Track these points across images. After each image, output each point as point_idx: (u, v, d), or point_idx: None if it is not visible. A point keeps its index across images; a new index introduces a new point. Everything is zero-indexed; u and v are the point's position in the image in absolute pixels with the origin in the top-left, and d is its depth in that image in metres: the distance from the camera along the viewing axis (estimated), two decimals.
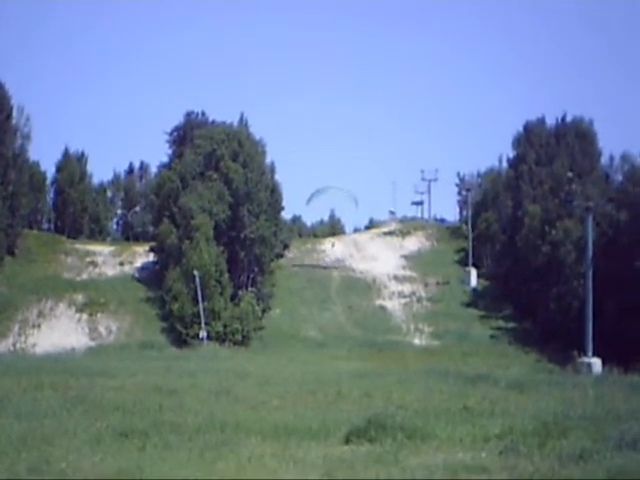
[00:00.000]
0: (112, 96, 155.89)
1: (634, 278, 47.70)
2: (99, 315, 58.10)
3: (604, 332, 41.82)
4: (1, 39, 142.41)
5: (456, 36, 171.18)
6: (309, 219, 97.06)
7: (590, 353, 39.58)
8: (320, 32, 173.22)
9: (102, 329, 56.72)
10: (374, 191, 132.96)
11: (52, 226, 77.38)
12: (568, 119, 66.81)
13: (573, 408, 17.98)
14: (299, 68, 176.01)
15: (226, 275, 56.52)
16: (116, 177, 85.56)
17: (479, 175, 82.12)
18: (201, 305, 52.97)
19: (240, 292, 57.91)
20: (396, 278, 68.99)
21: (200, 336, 52.58)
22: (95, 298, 59.76)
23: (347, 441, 14.96)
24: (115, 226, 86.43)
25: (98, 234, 78.40)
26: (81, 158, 77.91)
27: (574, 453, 12.94)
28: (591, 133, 66.06)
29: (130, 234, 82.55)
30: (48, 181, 76.28)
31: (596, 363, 38.49)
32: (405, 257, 73.81)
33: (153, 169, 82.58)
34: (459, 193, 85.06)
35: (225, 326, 54.62)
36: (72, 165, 76.06)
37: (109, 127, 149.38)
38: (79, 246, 70.01)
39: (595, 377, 31.19)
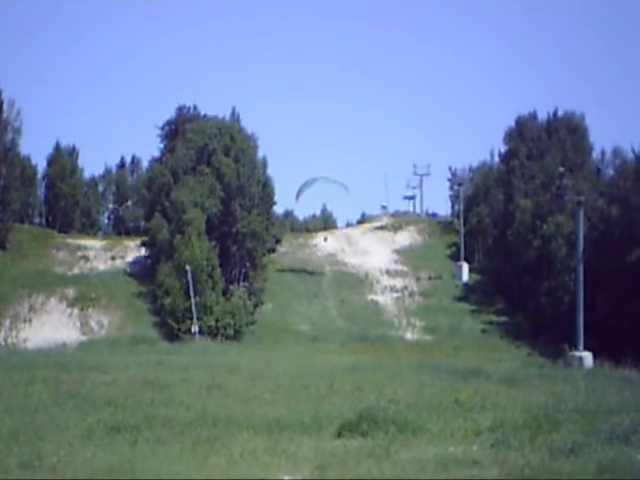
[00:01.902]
0: (103, 90, 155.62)
1: (625, 272, 47.84)
2: (90, 310, 57.93)
3: (595, 326, 41.95)
4: None
5: (448, 31, 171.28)
6: (301, 213, 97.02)
7: (581, 347, 39.71)
8: (312, 26, 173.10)
9: (93, 324, 56.59)
10: (366, 185, 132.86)
11: (43, 220, 77.09)
12: (560, 114, 66.83)
13: (564, 402, 18.05)
14: (291, 63, 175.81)
15: (218, 270, 56.42)
16: (107, 171, 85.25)
17: (471, 170, 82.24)
18: (193, 300, 52.90)
19: (232, 287, 57.84)
20: (388, 272, 69.05)
21: (192, 331, 52.53)
22: (86, 293, 59.59)
23: (339, 435, 14.99)
24: (106, 220, 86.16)
25: (89, 228, 78.17)
26: (72, 152, 77.62)
27: (565, 446, 12.99)
28: (582, 128, 66.10)
29: (122, 228, 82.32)
30: (39, 175, 75.98)
31: (587, 357, 38.62)
32: (397, 251, 73.86)
33: (145, 163, 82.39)
34: (451, 188, 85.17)
35: (217, 321, 54.56)
36: (63, 159, 75.79)
37: (100, 121, 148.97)
38: (70, 240, 69.78)
39: (586, 371, 31.38)
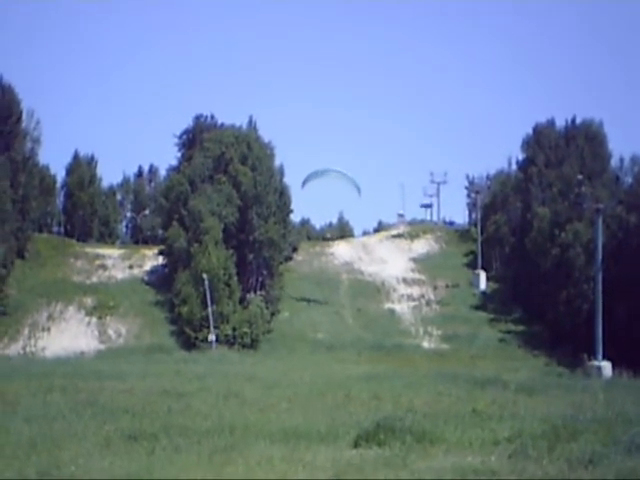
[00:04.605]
0: (122, 99, 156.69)
1: None
2: (108, 318, 58.22)
3: (614, 335, 41.63)
4: (10, 43, 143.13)
5: (465, 40, 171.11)
6: (318, 222, 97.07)
7: (600, 356, 39.45)
8: (331, 36, 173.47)
9: (111, 332, 56.85)
10: (383, 194, 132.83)
11: (62, 229, 77.54)
12: (578, 121, 66.55)
13: (583, 412, 17.93)
14: (308, 72, 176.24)
15: (235, 278, 56.52)
16: (125, 180, 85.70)
17: (488, 178, 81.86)
18: (210, 308, 53.01)
19: (249, 295, 57.90)
20: (405, 281, 68.90)
21: (209, 339, 52.61)
22: (104, 301, 59.90)
23: (356, 444, 14.95)
24: (124, 229, 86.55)
25: (108, 237, 78.53)
26: (91, 161, 78.07)
27: (584, 457, 12.89)
28: (601, 135, 65.77)
29: (139, 237, 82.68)
30: (58, 184, 76.38)
31: (606, 366, 38.35)
32: (414, 260, 73.69)
33: (162, 172, 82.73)
34: (468, 196, 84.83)
35: (234, 329, 54.63)
36: (82, 168, 76.26)
37: (119, 130, 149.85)
38: (89, 249, 70.20)
39: (605, 381, 31.15)
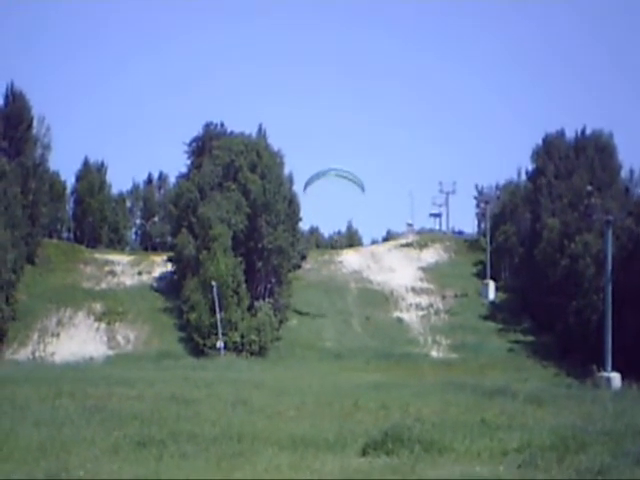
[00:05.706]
0: (132, 107, 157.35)
1: None
2: (117, 324, 58.35)
3: (623, 346, 41.44)
4: (21, 49, 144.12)
5: (476, 50, 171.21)
6: (327, 230, 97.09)
7: (609, 367, 39.25)
8: (340, 44, 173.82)
9: (120, 338, 56.96)
10: (392, 203, 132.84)
11: (71, 235, 77.84)
12: (588, 132, 66.49)
13: (592, 423, 17.86)
14: (318, 79, 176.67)
15: (243, 285, 56.58)
16: (135, 187, 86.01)
17: (498, 188, 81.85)
18: (218, 315, 53.05)
19: (257, 303, 57.93)
20: (413, 290, 68.82)
21: (217, 346, 52.66)
22: (113, 307, 60.04)
23: (364, 453, 14.94)
24: (134, 236, 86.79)
25: (117, 244, 78.76)
26: (101, 168, 78.39)
27: (593, 468, 12.85)
28: (611, 146, 65.67)
29: (148, 244, 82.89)
30: (68, 191, 76.74)
31: (615, 378, 38.15)
32: (423, 269, 73.62)
33: (172, 179, 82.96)
34: (477, 206, 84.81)
35: (242, 337, 54.65)
36: (92, 175, 76.56)
37: (128, 137, 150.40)
38: (98, 255, 70.42)
39: (614, 392, 30.99)
